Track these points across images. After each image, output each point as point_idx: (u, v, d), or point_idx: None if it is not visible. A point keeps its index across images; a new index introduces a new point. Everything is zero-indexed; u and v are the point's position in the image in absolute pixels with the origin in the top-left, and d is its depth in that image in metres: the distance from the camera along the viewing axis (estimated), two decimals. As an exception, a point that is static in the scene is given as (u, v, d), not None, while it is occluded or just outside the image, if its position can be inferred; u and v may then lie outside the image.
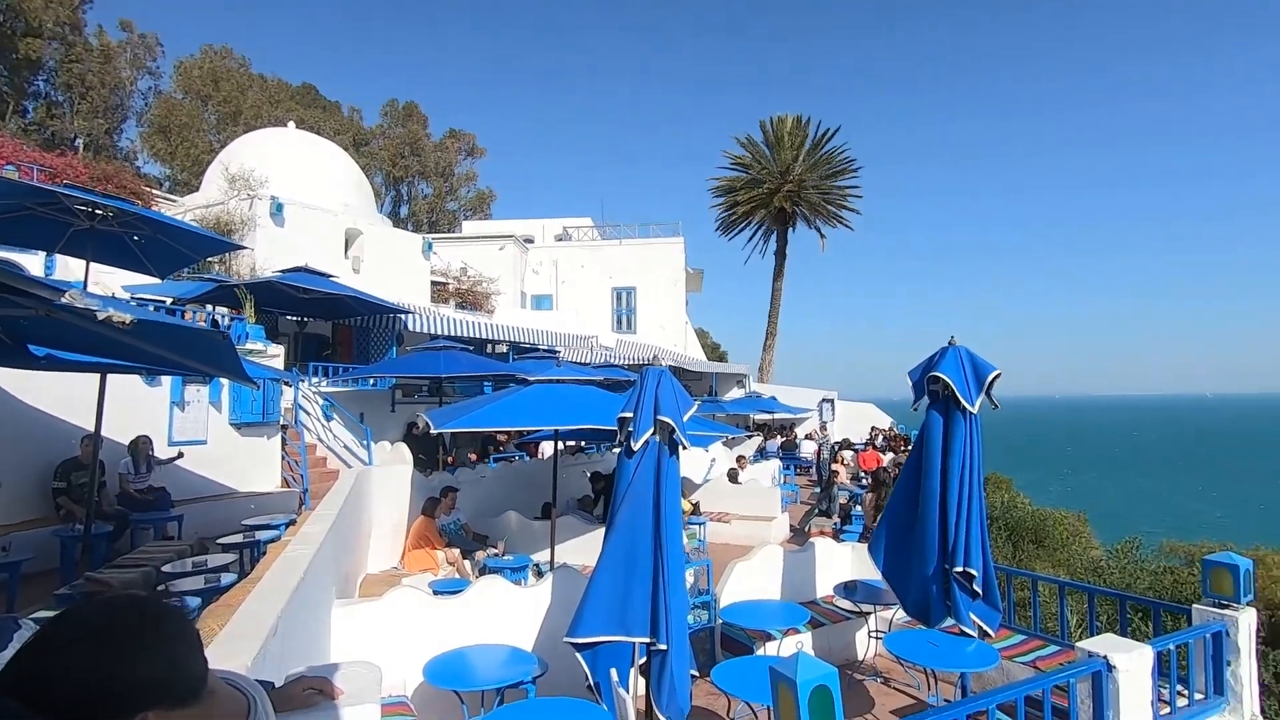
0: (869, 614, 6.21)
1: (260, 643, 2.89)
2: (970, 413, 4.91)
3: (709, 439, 12.05)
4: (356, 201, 20.59)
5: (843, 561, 7.02)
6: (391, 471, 9.29)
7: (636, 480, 4.17)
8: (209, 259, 12.13)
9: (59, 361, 4.68)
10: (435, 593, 5.62)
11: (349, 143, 37.34)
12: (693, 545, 9.74)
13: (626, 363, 18.27)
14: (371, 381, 14.01)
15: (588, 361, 17.43)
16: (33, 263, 10.70)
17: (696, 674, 4.50)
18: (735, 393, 27.11)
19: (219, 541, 6.96)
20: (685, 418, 4.29)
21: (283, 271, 12.61)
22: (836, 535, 10.31)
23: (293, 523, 7.27)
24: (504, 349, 18.18)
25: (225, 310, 12.14)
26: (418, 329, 14.58)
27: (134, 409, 8.31)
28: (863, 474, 15.04)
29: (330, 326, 16.12)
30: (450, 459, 11.99)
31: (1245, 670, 4.54)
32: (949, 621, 5.09)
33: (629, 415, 4.26)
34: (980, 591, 4.95)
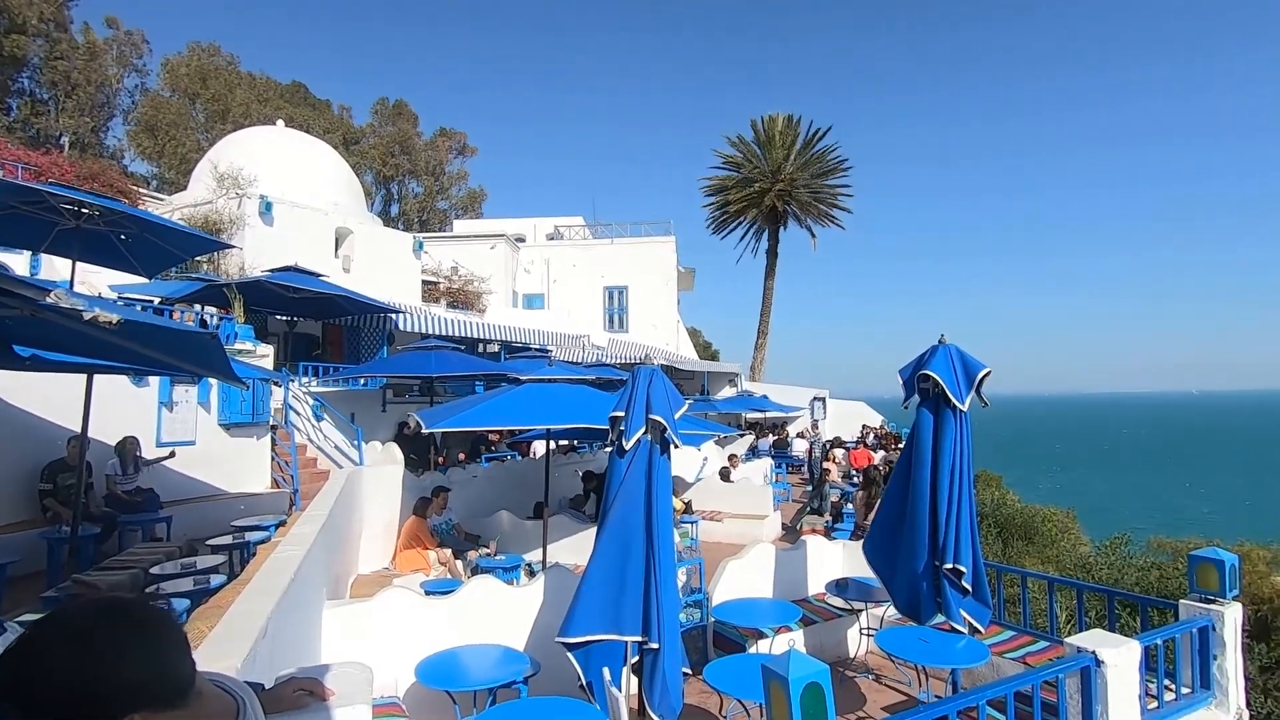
0: (860, 611, 6.24)
1: (250, 644, 2.87)
2: (960, 410, 4.94)
3: (701, 438, 12.06)
4: (346, 200, 20.48)
5: (834, 559, 7.05)
6: (382, 472, 9.25)
7: (628, 479, 4.18)
8: (197, 258, 12.03)
9: (45, 362, 4.63)
10: (427, 593, 5.61)
11: (339, 141, 37.12)
12: (685, 544, 9.75)
13: (618, 362, 18.27)
14: (362, 381, 13.94)
15: (580, 361, 17.42)
16: (18, 262, 10.59)
17: (689, 672, 4.51)
18: (727, 391, 27.17)
19: (208, 543, 6.91)
20: (677, 416, 4.30)
21: (272, 271, 12.53)
22: (828, 533, 10.34)
23: (283, 524, 7.24)
24: (495, 348, 18.14)
25: (214, 310, 12.06)
26: (408, 328, 14.52)
27: (121, 410, 8.24)
28: (854, 472, 15.10)
29: (320, 326, 16.03)
30: (441, 459, 11.95)
31: (1231, 664, 4.59)
32: (940, 618, 5.12)
33: (621, 414, 4.26)
34: (970, 588, 4.98)
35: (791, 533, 11.76)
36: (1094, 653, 3.81)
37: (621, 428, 4.23)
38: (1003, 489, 18.42)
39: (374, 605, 4.86)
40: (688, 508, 11.30)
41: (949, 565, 4.90)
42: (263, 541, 6.46)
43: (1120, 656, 3.82)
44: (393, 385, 14.43)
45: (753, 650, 5.49)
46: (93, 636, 0.99)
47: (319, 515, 6.02)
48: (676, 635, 4.20)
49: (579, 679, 4.16)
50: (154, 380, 8.79)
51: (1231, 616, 4.60)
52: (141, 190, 18.69)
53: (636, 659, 4.23)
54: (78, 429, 5.69)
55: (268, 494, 9.66)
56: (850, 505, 12.14)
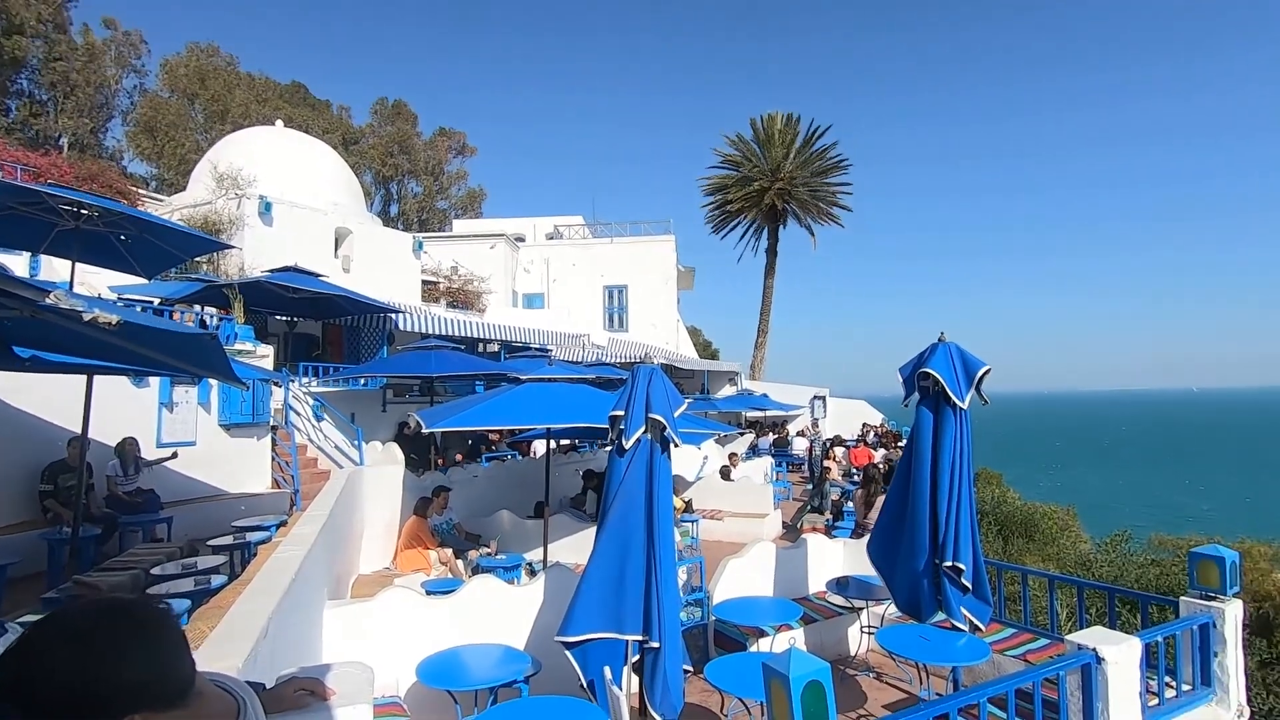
0: (861, 609, 6.25)
1: (251, 644, 2.87)
2: (960, 408, 4.94)
3: (701, 437, 12.07)
4: (346, 200, 20.47)
5: (835, 557, 7.05)
6: (383, 472, 9.25)
7: (628, 478, 4.17)
8: (197, 259, 12.03)
9: (45, 363, 4.63)
10: (428, 593, 5.61)
11: (338, 141, 37.10)
12: (685, 542, 9.76)
13: (618, 361, 18.26)
14: (362, 381, 13.94)
15: (579, 360, 17.42)
16: (17, 263, 10.59)
17: (690, 671, 4.51)
18: (727, 390, 27.16)
19: (209, 543, 6.91)
20: (677, 415, 4.30)
21: (272, 271, 12.53)
22: (828, 531, 10.35)
23: (283, 524, 7.24)
24: (495, 348, 18.14)
25: (214, 310, 12.05)
26: (408, 328, 14.52)
27: (122, 410, 8.24)
28: (855, 470, 15.10)
29: (320, 326, 16.03)
30: (440, 460, 11.95)
31: (1232, 661, 4.59)
32: (940, 616, 5.12)
33: (621, 413, 4.26)
34: (970, 586, 4.98)
35: (792, 531, 11.76)
36: (1095, 650, 3.81)
37: (621, 427, 4.23)
38: (1003, 487, 18.44)
39: (375, 605, 4.86)
40: (688, 506, 11.30)
41: (949, 563, 4.90)
42: (263, 542, 6.46)
43: (1121, 654, 3.82)
44: (393, 385, 14.43)
45: (754, 649, 5.50)
46: (93, 637, 0.99)
47: (319, 515, 6.02)
48: (677, 634, 4.20)
49: (580, 678, 4.17)
50: (154, 381, 8.79)
51: (1232, 613, 4.60)
52: (140, 191, 18.67)
53: (637, 658, 4.23)
54: (78, 430, 5.69)
55: (268, 494, 9.66)
56: (851, 504, 12.15)
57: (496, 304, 25.03)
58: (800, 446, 20.53)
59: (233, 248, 13.72)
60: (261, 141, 20.18)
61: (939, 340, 5.13)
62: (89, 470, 6.75)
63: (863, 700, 5.39)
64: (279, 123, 23.03)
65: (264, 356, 10.88)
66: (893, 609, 5.75)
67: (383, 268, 19.70)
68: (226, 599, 3.77)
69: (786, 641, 5.56)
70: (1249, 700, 4.90)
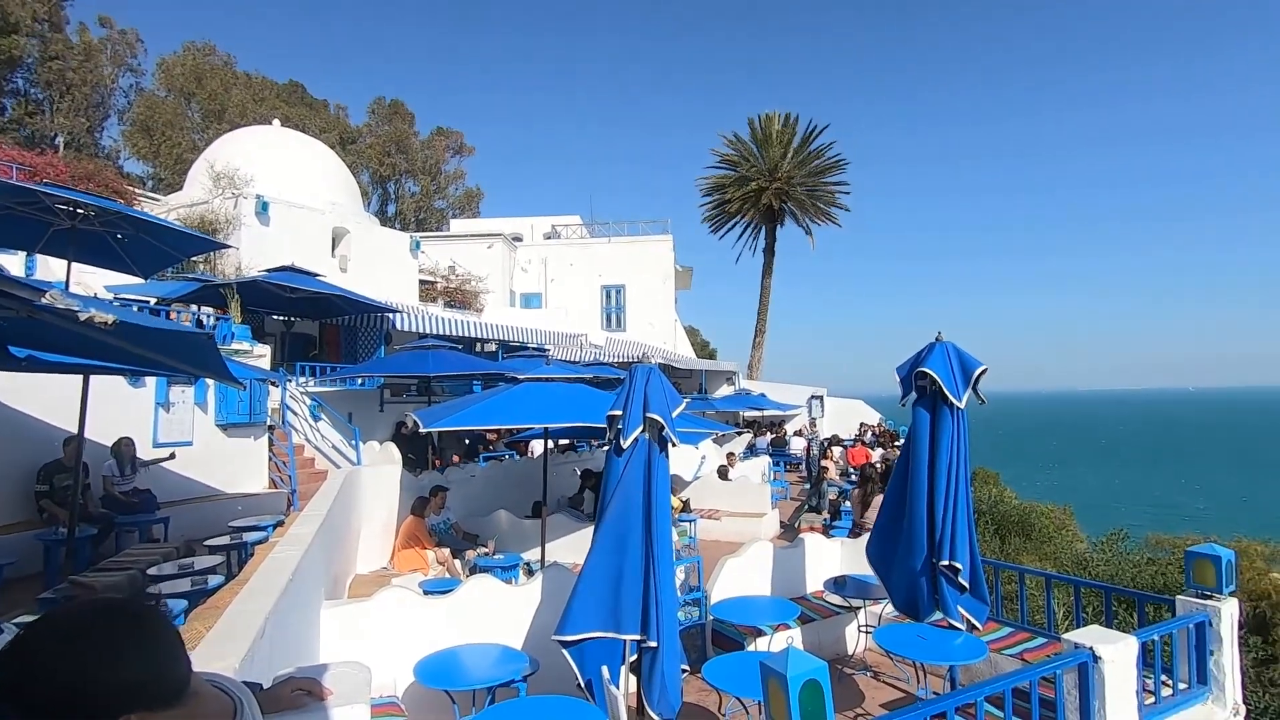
0: (859, 609, 6.25)
1: (248, 644, 2.87)
2: (957, 408, 4.95)
3: (699, 436, 12.06)
4: (343, 200, 20.43)
5: (832, 557, 7.05)
6: (380, 471, 9.24)
7: (626, 478, 4.17)
8: (193, 259, 12.00)
9: (40, 363, 4.62)
10: (425, 592, 5.60)
11: (335, 141, 37.04)
12: (683, 542, 9.76)
13: (616, 360, 18.26)
14: (359, 381, 13.92)
15: (577, 359, 17.42)
16: (13, 263, 10.56)
17: (688, 670, 4.51)
18: (725, 390, 27.18)
19: (206, 543, 6.90)
20: (674, 415, 4.30)
21: (269, 271, 12.50)
22: (826, 531, 10.35)
23: (280, 524, 7.23)
24: (493, 347, 18.13)
25: (210, 310, 12.02)
26: (406, 328, 14.50)
27: (118, 410, 8.22)
28: (852, 470, 15.11)
29: (317, 326, 16.01)
30: (436, 461, 11.93)
31: (1228, 659, 4.60)
32: (937, 615, 5.13)
33: (618, 413, 4.26)
34: (967, 585, 4.99)
35: (789, 531, 11.77)
36: (1091, 649, 3.82)
37: (619, 426, 4.23)
38: (1000, 486, 18.48)
39: (372, 605, 4.86)
40: (686, 506, 11.30)
41: (946, 562, 4.91)
42: (260, 542, 6.45)
43: (1117, 652, 3.83)
44: (390, 385, 14.41)
45: (751, 648, 5.50)
46: (88, 637, 0.99)
47: (317, 515, 6.01)
48: (675, 633, 4.20)
49: (577, 678, 4.17)
50: (150, 381, 8.77)
51: (1228, 612, 4.61)
52: (137, 190, 18.61)
53: (635, 657, 4.23)
54: (74, 430, 5.68)
55: (265, 494, 9.64)
56: (848, 503, 12.17)
57: (494, 304, 25.01)
58: (798, 446, 20.55)
59: (229, 247, 13.69)
60: (258, 141, 20.14)
61: (936, 340, 5.13)
62: (85, 470, 6.73)
63: (860, 699, 5.40)
64: (276, 122, 22.99)
65: (261, 356, 10.86)
66: (890, 608, 5.76)
67: (380, 267, 19.68)
68: (223, 599, 3.77)
69: (784, 641, 5.57)
70: (1245, 698, 4.91)
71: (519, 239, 30.15)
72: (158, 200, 18.61)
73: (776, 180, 30.39)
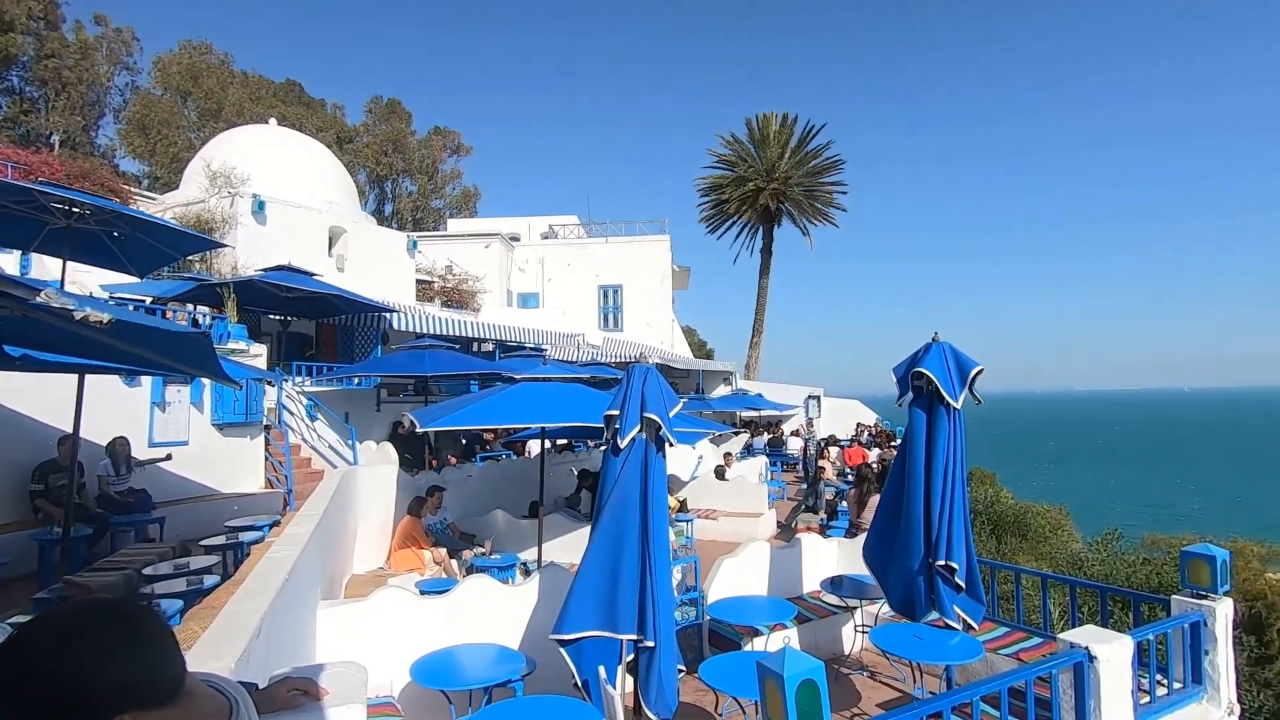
0: (855, 609, 6.26)
1: (244, 644, 2.86)
2: (953, 408, 4.96)
3: (696, 436, 12.06)
4: (340, 199, 20.40)
5: (829, 557, 7.06)
6: (377, 471, 9.23)
7: (623, 477, 4.17)
8: (189, 258, 11.97)
9: (36, 362, 4.60)
10: (422, 592, 5.60)
11: (332, 140, 36.94)
12: (680, 542, 9.76)
13: (613, 361, 18.26)
14: (356, 381, 13.90)
15: (574, 359, 17.41)
16: (8, 261, 10.53)
17: (684, 670, 4.51)
18: (722, 390, 27.20)
19: (201, 543, 6.88)
20: (671, 415, 4.30)
21: (265, 270, 12.48)
22: (823, 531, 10.37)
23: (277, 524, 7.21)
24: (490, 347, 18.10)
25: (206, 309, 11.99)
26: (403, 328, 14.48)
27: (114, 410, 8.19)
28: (849, 470, 15.13)
29: (314, 326, 15.97)
30: (432, 461, 11.92)
31: (1223, 659, 4.62)
32: (934, 615, 5.13)
33: (616, 413, 4.26)
34: (964, 585, 5.00)
35: (786, 531, 11.78)
36: (1087, 648, 3.83)
37: (616, 426, 4.23)
38: (996, 486, 18.52)
39: (369, 605, 4.85)
40: (683, 506, 11.30)
41: (942, 562, 4.91)
42: (256, 542, 6.43)
43: (1113, 652, 3.85)
44: (387, 385, 14.39)
45: (748, 648, 5.50)
46: (82, 637, 0.99)
47: (313, 515, 6.00)
48: (672, 633, 4.20)
49: (574, 677, 4.16)
50: (146, 380, 8.74)
51: (1223, 612, 4.63)
52: (132, 189, 18.56)
53: (632, 657, 4.23)
54: (69, 429, 5.66)
55: (261, 494, 9.62)
56: (844, 503, 12.18)
57: (491, 303, 24.99)
58: (795, 446, 20.57)
59: (226, 246, 13.66)
60: (255, 140, 20.09)
61: (932, 340, 5.14)
62: (80, 469, 6.71)
63: (857, 699, 5.41)
64: (272, 121, 22.93)
65: (257, 356, 10.83)
66: (886, 608, 5.77)
67: (377, 267, 19.65)
68: (219, 599, 3.76)
69: (781, 641, 5.57)
70: (1239, 698, 4.93)
71: (516, 239, 30.13)
72: (153, 199, 18.55)
73: (774, 180, 30.42)
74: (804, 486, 15.17)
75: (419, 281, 22.12)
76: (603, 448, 4.53)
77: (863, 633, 6.10)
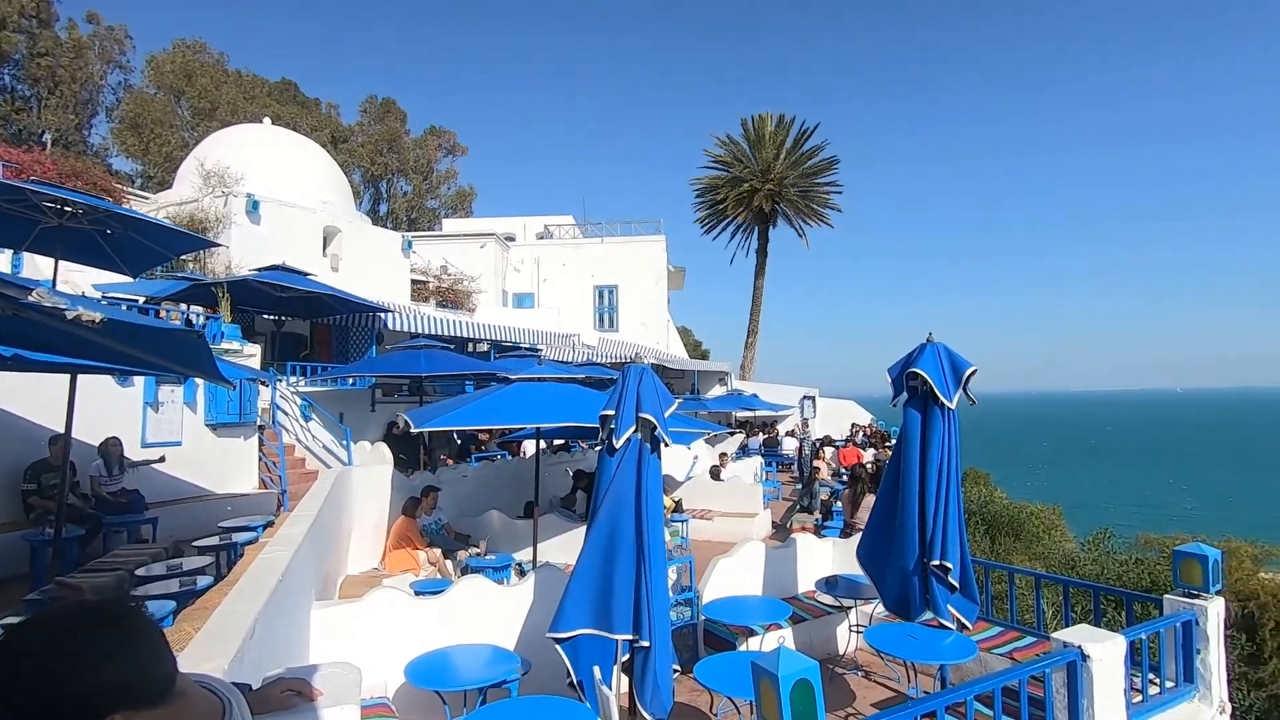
0: (850, 608, 6.27)
1: (237, 645, 2.85)
2: (948, 408, 4.98)
3: (691, 436, 12.06)
4: (335, 199, 20.34)
5: (824, 557, 7.08)
6: (372, 472, 9.21)
7: (618, 478, 4.18)
8: (183, 257, 11.92)
9: (27, 362, 4.57)
10: (416, 593, 5.59)
11: (326, 139, 36.83)
12: (675, 542, 9.77)
13: (608, 361, 18.25)
14: (351, 381, 13.86)
15: (570, 360, 17.39)
16: (-1, 261, 10.46)
17: (679, 670, 4.51)
18: (717, 390, 27.21)
19: (195, 544, 6.84)
20: (667, 415, 4.30)
21: (259, 269, 12.43)
22: (818, 531, 10.39)
23: (270, 524, 7.18)
24: (485, 347, 18.07)
25: (200, 309, 11.94)
26: (398, 328, 14.45)
27: (106, 410, 8.15)
28: (843, 470, 15.17)
29: (308, 325, 15.91)
30: (425, 461, 11.89)
31: (1214, 658, 4.64)
32: (928, 615, 5.15)
33: (611, 413, 4.26)
34: (958, 585, 5.02)
35: (781, 531, 11.80)
36: (1080, 647, 3.84)
37: (612, 426, 4.23)
38: (990, 486, 18.60)
39: (363, 605, 4.84)
40: (678, 506, 11.31)
41: (936, 561, 4.93)
42: (250, 542, 6.40)
43: (1105, 651, 3.86)
44: (382, 385, 14.35)
45: (743, 648, 5.51)
46: (73, 638, 0.99)
47: (307, 516, 5.98)
48: (667, 633, 4.20)
49: (569, 678, 4.16)
50: (139, 380, 8.70)
51: (1215, 611, 4.65)
52: (126, 188, 18.48)
53: (627, 657, 4.23)
54: (62, 429, 5.62)
55: (255, 494, 9.57)
56: (839, 503, 12.20)
57: (486, 303, 24.95)
58: (790, 446, 20.60)
59: (220, 246, 13.61)
60: (249, 139, 20.02)
61: (927, 341, 5.16)
62: (72, 469, 6.67)
63: (851, 699, 5.42)
64: (267, 120, 22.86)
65: (251, 356, 10.78)
66: (881, 608, 5.78)
67: (372, 267, 19.59)
68: (212, 600, 3.74)
69: (775, 640, 5.58)
70: (1230, 696, 4.96)
71: (511, 239, 30.09)
72: (147, 198, 18.47)
73: (770, 181, 30.47)
74: (799, 487, 15.19)
75: (414, 281, 22.08)
76: (598, 448, 4.53)
77: (857, 632, 6.11)
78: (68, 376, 5.38)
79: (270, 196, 17.27)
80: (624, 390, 4.27)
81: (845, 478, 13.59)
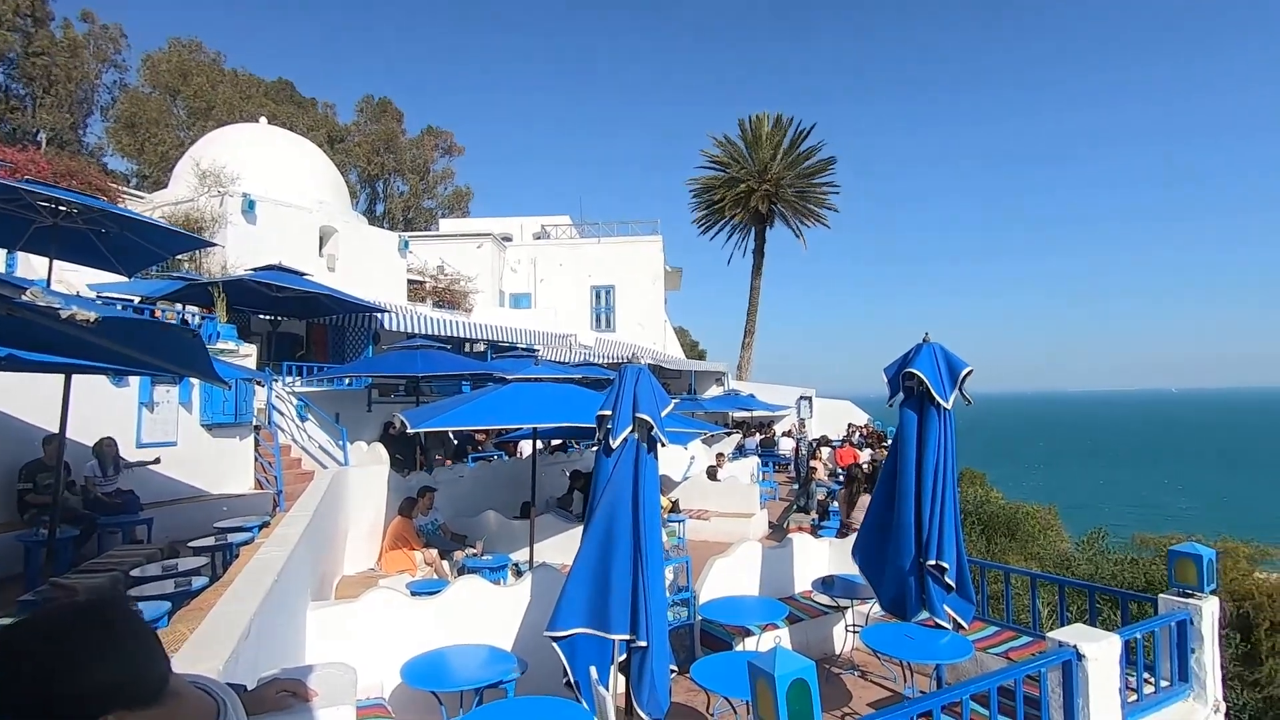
0: (846, 608, 6.28)
1: (232, 646, 2.84)
2: (944, 408, 4.99)
3: (688, 436, 12.08)
4: (331, 199, 20.29)
5: (820, 557, 7.09)
6: (368, 472, 9.19)
7: (615, 478, 4.17)
8: (178, 257, 11.89)
9: (22, 362, 4.55)
10: (413, 593, 5.58)
11: (323, 139, 36.76)
12: (672, 542, 9.77)
13: (605, 361, 18.25)
14: (347, 381, 13.83)
15: (566, 360, 17.39)
16: (-7, 260, 10.41)
17: (676, 670, 4.52)
18: (714, 390, 27.23)
19: (190, 545, 6.83)
20: (663, 415, 4.30)
21: (255, 269, 12.40)
22: (814, 531, 10.40)
23: (266, 525, 7.17)
24: (482, 348, 18.05)
25: (196, 309, 11.91)
26: (394, 328, 14.42)
27: (101, 410, 8.12)
28: (840, 470, 15.19)
29: (304, 325, 15.87)
30: (421, 461, 11.88)
31: (1209, 657, 4.66)
32: (924, 615, 5.16)
33: (608, 413, 4.26)
34: (954, 584, 5.03)
35: (778, 531, 11.81)
36: (1075, 647, 3.85)
37: (609, 426, 4.23)
38: (986, 486, 18.64)
39: (359, 606, 4.83)
40: (675, 506, 11.31)
41: (932, 562, 4.94)
42: (246, 543, 6.40)
43: (1101, 650, 3.88)
44: (378, 385, 14.32)
45: (739, 648, 5.51)
46: (67, 638, 0.99)
47: (303, 516, 5.97)
48: (664, 633, 4.20)
49: (566, 678, 4.16)
50: (134, 380, 8.67)
51: (1209, 610, 4.67)
52: (121, 188, 18.41)
53: (624, 657, 4.23)
54: (56, 429, 5.60)
55: (251, 495, 9.56)
56: (835, 503, 12.22)
57: (483, 304, 24.92)
58: (786, 447, 20.62)
59: (215, 245, 13.56)
60: (245, 138, 19.96)
61: (923, 341, 5.17)
62: (67, 469, 6.65)
63: (848, 698, 5.43)
64: (263, 119, 22.79)
65: (247, 355, 10.76)
66: (877, 608, 5.79)
67: (368, 267, 19.55)
68: (208, 600, 3.74)
69: (772, 640, 5.59)
70: (1225, 696, 4.98)
71: (508, 239, 30.06)
72: (142, 198, 18.41)
73: (766, 181, 30.49)
74: (796, 487, 15.21)
75: (410, 281, 22.04)
76: (595, 448, 4.53)
77: (853, 632, 6.12)
78: (62, 376, 5.36)
79: (266, 196, 17.22)
80: (621, 390, 4.27)
81: (842, 478, 13.61)
